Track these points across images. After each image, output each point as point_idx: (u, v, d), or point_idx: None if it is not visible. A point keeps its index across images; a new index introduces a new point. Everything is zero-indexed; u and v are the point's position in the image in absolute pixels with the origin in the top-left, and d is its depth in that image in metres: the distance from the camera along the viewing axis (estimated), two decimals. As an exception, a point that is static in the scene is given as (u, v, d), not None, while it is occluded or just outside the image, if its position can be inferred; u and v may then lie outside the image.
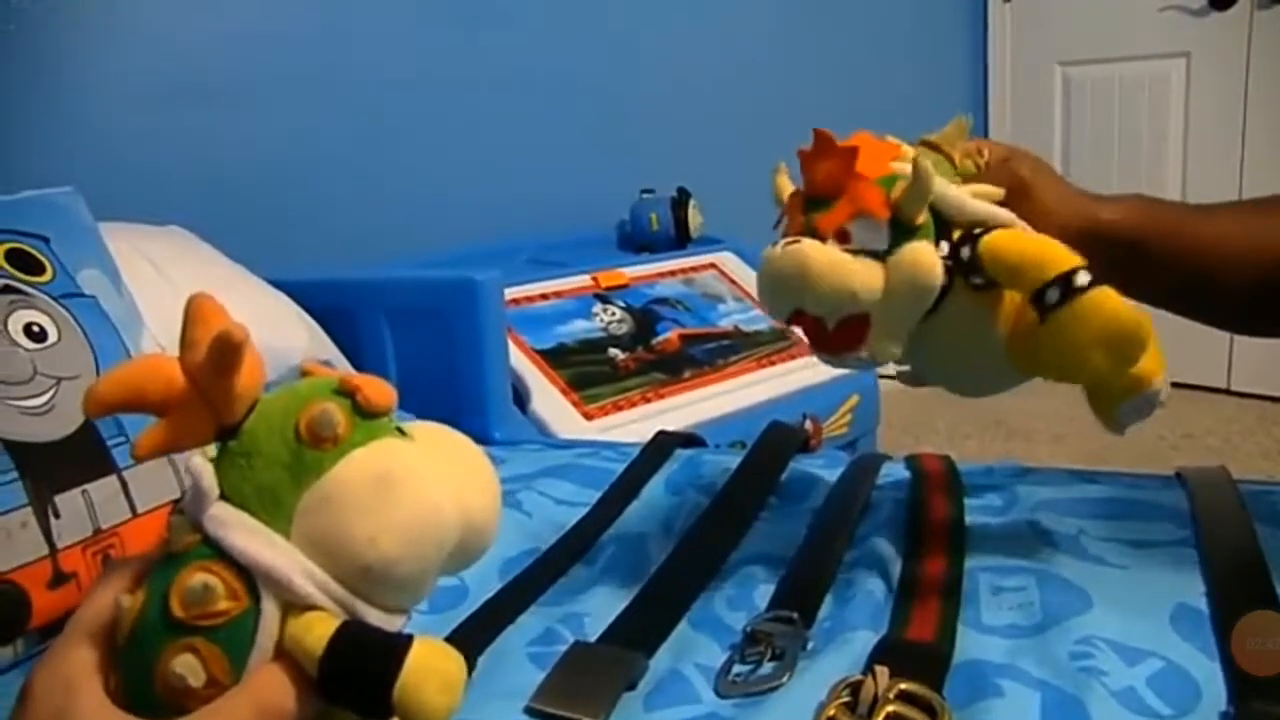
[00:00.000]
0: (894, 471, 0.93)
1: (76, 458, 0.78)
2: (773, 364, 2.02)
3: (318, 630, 0.41)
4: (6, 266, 0.82)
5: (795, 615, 0.66)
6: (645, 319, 2.01)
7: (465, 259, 1.95)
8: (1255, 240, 0.74)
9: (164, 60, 1.75)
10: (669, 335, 1.99)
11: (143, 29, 1.73)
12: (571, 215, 2.35)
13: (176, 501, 0.82)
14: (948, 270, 0.65)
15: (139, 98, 1.71)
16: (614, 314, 1.98)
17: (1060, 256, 0.62)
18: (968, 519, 0.79)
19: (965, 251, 0.65)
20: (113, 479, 0.79)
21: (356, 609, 0.42)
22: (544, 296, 1.94)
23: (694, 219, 2.31)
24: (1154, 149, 3.07)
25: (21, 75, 1.58)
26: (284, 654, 0.41)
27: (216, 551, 0.41)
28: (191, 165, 1.76)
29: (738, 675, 0.62)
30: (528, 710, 0.60)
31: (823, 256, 0.64)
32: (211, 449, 0.44)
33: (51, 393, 0.78)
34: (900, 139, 0.72)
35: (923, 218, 0.64)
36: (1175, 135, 3.04)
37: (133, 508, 0.79)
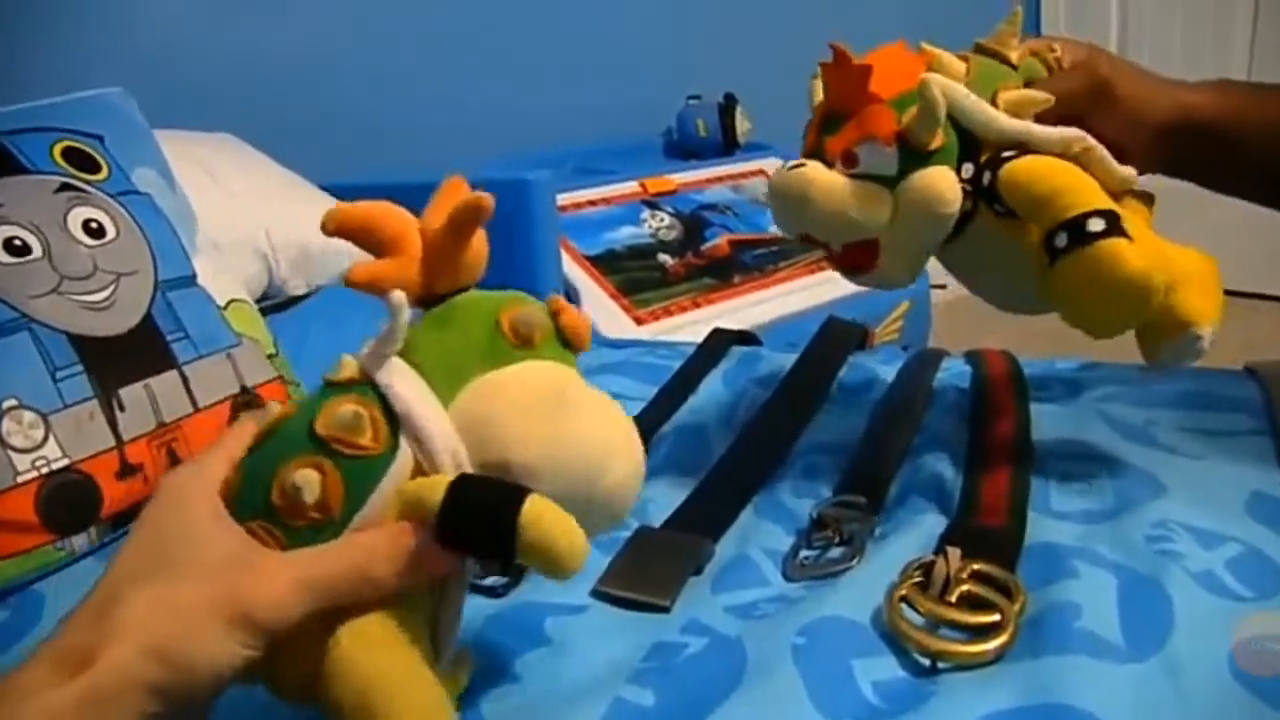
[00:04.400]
0: (954, 366, 0.92)
1: (138, 352, 0.78)
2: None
3: (442, 480, 0.41)
4: (64, 164, 0.82)
5: (863, 500, 0.66)
6: (694, 225, 1.99)
7: (512, 167, 1.93)
8: None
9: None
10: (718, 241, 1.97)
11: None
12: (617, 123, 2.32)
13: (237, 396, 0.83)
14: (969, 195, 0.62)
15: (189, 2, 1.70)
16: (662, 220, 1.96)
17: (1080, 197, 0.58)
18: (1032, 409, 0.78)
19: (986, 176, 0.62)
20: (173, 374, 0.79)
21: None
22: (592, 203, 1.92)
23: (742, 125, 2.27)
24: (1219, 50, 2.94)
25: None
26: (399, 520, 0.41)
27: (377, 395, 0.42)
28: (241, 72, 1.75)
29: (806, 559, 0.61)
30: (594, 593, 0.60)
31: (823, 182, 0.61)
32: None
33: (112, 288, 0.78)
34: (945, 46, 0.66)
35: (938, 141, 0.60)
36: (1242, 33, 2.91)
37: (194, 402, 0.80)
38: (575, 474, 0.43)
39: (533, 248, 1.39)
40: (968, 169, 0.62)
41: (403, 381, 0.42)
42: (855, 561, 0.59)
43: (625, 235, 1.89)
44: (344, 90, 1.89)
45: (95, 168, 0.84)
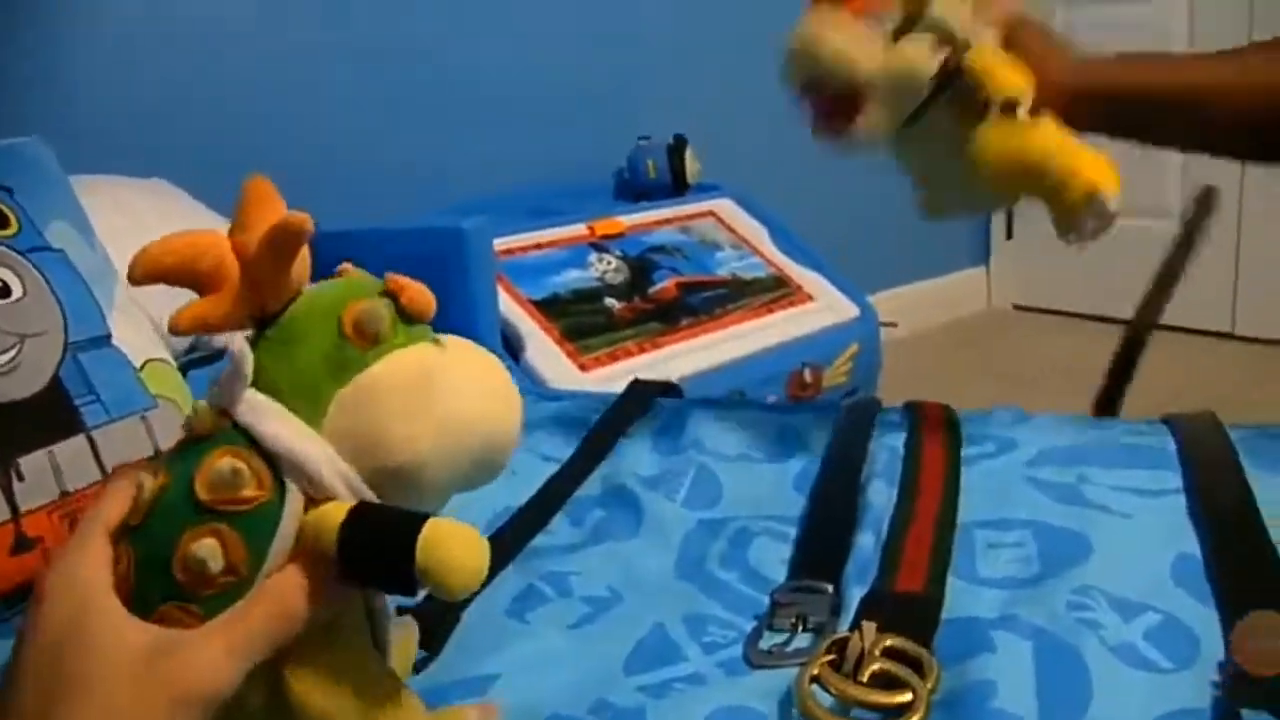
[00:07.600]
0: (890, 427, 0.90)
1: (42, 417, 0.75)
2: (770, 312, 2.00)
3: (337, 512, 0.40)
4: (-35, 220, 0.79)
5: (828, 587, 0.63)
6: (642, 267, 1.97)
7: (460, 212, 1.91)
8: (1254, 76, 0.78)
9: (143, 6, 1.71)
10: (666, 284, 1.96)
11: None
12: (568, 165, 2.31)
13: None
14: (936, 78, 0.74)
15: (117, 46, 1.67)
16: (610, 263, 1.94)
17: (1017, 83, 0.73)
18: (964, 469, 0.77)
19: (952, 61, 0.74)
20: (80, 439, 0.76)
21: None
22: (538, 246, 1.91)
23: (691, 166, 2.26)
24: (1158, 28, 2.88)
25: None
26: (303, 552, 0.40)
27: (245, 438, 0.41)
28: (175, 120, 1.72)
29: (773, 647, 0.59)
30: None
31: (834, 23, 0.75)
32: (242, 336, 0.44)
33: (15, 350, 0.75)
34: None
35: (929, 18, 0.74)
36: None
37: (102, 468, 0.77)
38: (466, 451, 0.43)
39: (469, 296, 1.37)
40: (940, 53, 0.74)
41: (266, 417, 0.41)
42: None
43: (571, 279, 1.87)
44: (285, 138, 1.86)
45: (2, 223, 0.81)
